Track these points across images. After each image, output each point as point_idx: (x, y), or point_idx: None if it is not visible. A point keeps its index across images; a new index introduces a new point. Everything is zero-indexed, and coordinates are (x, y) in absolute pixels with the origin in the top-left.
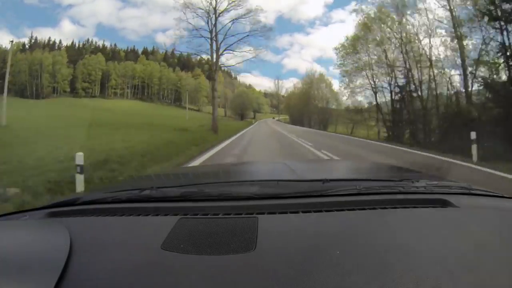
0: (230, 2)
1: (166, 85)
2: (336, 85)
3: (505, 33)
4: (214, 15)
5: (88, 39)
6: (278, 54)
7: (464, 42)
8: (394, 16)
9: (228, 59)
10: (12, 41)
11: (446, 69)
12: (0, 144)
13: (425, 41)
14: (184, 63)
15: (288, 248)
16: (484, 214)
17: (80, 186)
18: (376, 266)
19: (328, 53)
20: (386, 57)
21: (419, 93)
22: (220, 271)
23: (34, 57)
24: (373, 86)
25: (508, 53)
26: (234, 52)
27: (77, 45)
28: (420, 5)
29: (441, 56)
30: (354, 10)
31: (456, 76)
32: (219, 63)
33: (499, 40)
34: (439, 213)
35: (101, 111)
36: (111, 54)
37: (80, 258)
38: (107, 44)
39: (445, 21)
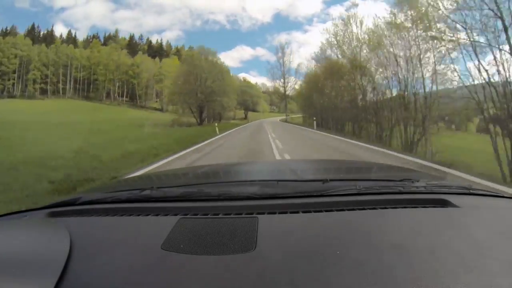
0: None
1: (116, 75)
2: None
3: None
4: None
5: (35, 24)
6: (276, 53)
7: None
8: None
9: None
10: None
11: None
12: None
13: None
14: (157, 51)
15: (288, 248)
16: (484, 214)
17: None
18: (376, 266)
19: (327, 51)
20: None
21: None
22: (220, 271)
23: None
24: None
25: None
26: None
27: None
28: None
29: None
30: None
31: None
32: None
33: None
34: (439, 213)
35: None
36: (48, 39)
37: (80, 258)
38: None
39: None
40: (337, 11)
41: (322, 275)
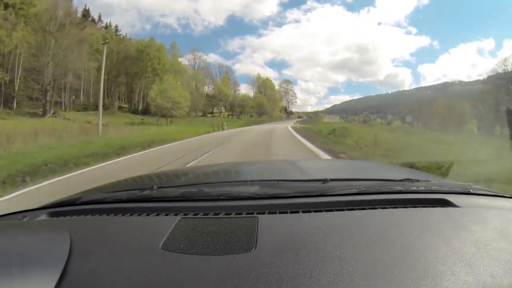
0: None
1: None
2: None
3: None
4: None
5: None
6: (229, 59)
7: None
8: None
9: None
10: None
11: None
12: None
13: None
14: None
15: (288, 248)
16: (485, 214)
17: None
18: (376, 266)
19: (281, 56)
20: None
21: None
22: (220, 271)
23: None
24: None
25: None
26: None
27: None
28: None
29: None
30: None
31: None
32: None
33: None
34: (439, 213)
35: None
36: None
37: (80, 258)
38: None
39: None
40: (293, 14)
41: (322, 275)
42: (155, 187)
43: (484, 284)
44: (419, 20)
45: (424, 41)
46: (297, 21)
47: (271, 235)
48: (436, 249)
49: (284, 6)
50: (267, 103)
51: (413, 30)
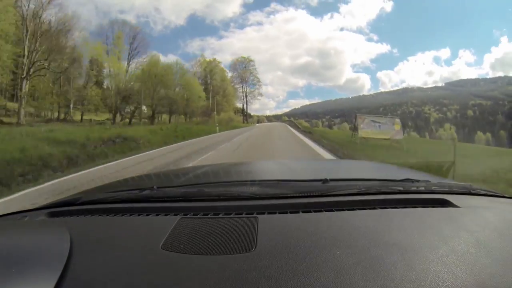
0: None
1: None
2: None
3: None
4: None
5: None
6: (189, 61)
7: None
8: None
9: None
10: None
11: None
12: None
13: None
14: None
15: (288, 248)
16: (485, 214)
17: None
18: (376, 266)
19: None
20: None
21: None
22: (220, 271)
23: None
24: None
25: None
26: None
27: None
28: None
29: None
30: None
31: None
32: None
33: None
34: (439, 213)
35: None
36: None
37: (80, 258)
38: None
39: None
40: (256, 17)
41: (322, 275)
42: (155, 187)
43: (483, 284)
44: (380, 28)
45: (384, 48)
46: (259, 23)
47: (271, 235)
48: (436, 249)
49: (247, 8)
50: (200, 90)
51: (375, 37)
